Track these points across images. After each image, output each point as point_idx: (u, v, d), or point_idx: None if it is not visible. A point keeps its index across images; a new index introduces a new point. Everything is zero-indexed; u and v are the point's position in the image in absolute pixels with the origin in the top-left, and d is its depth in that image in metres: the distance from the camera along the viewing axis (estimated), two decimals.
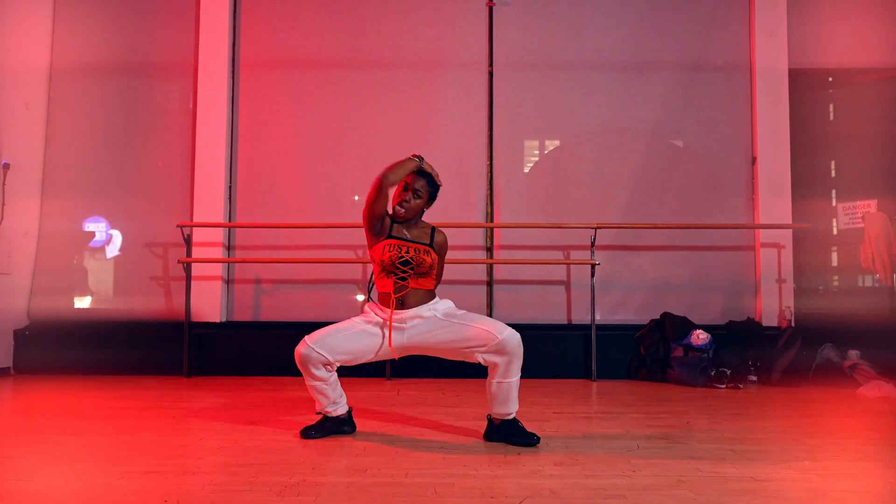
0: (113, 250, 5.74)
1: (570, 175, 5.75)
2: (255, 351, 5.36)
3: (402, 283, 2.95)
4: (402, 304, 2.96)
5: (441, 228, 3.14)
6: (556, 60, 5.81)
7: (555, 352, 5.30)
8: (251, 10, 5.90)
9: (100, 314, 5.72)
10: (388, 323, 2.94)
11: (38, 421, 3.48)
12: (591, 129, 5.80)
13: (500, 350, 2.83)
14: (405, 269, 2.95)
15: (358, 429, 3.18)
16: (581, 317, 5.59)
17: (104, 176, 5.82)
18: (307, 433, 3.00)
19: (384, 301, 2.98)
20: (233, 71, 5.84)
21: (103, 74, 5.88)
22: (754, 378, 4.93)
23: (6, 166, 5.35)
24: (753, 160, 5.65)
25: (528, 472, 2.44)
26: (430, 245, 3.04)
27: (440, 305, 3.00)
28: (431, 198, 3.11)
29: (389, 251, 2.94)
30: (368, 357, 2.99)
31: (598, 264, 5.13)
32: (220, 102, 5.73)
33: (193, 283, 5.44)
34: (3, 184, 5.34)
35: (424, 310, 2.95)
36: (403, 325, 2.95)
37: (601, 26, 5.83)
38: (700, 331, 4.92)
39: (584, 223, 5.31)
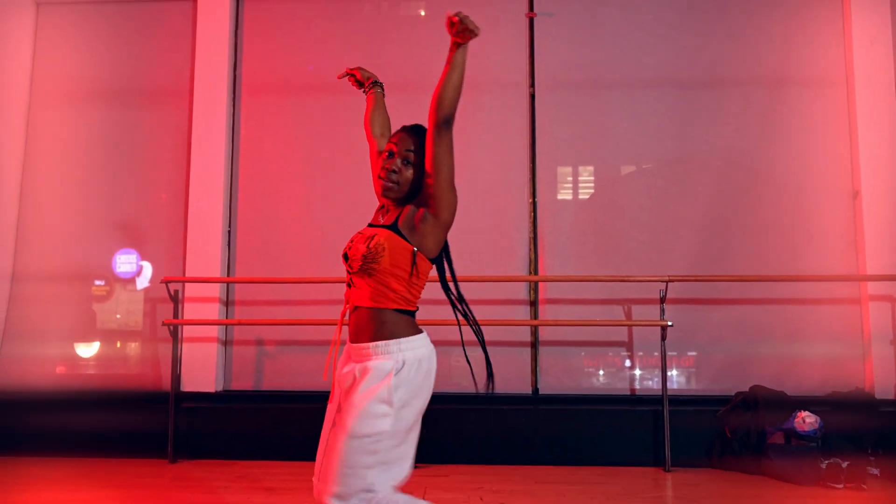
0: (143, 282, 4.95)
1: (628, 213, 4.80)
2: (257, 428, 4.48)
3: (346, 295, 1.92)
4: (352, 336, 1.90)
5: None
6: (608, 78, 4.90)
7: (616, 431, 4.32)
8: (253, 31, 5.12)
9: (76, 380, 4.90)
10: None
11: None
12: (652, 158, 4.86)
13: None
14: (348, 272, 1.89)
15: None
16: (647, 386, 4.60)
17: (85, 220, 5.05)
18: None
19: None
20: (233, 97, 5.05)
21: (87, 103, 5.14)
22: (876, 471, 3.87)
23: None
24: (856, 194, 4.64)
25: None
26: (393, 224, 1.87)
27: (406, 354, 1.81)
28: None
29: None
30: None
31: (671, 325, 4.15)
32: (217, 133, 4.94)
33: (185, 346, 4.60)
34: None
35: (366, 351, 1.83)
36: (341, 375, 1.89)
37: (662, 37, 4.90)
38: (806, 413, 3.89)
39: (653, 276, 4.33)
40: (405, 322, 1.85)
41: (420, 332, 1.88)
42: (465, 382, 4.66)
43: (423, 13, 5.14)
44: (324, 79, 5.04)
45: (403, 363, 1.79)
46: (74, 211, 5.06)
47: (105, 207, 5.04)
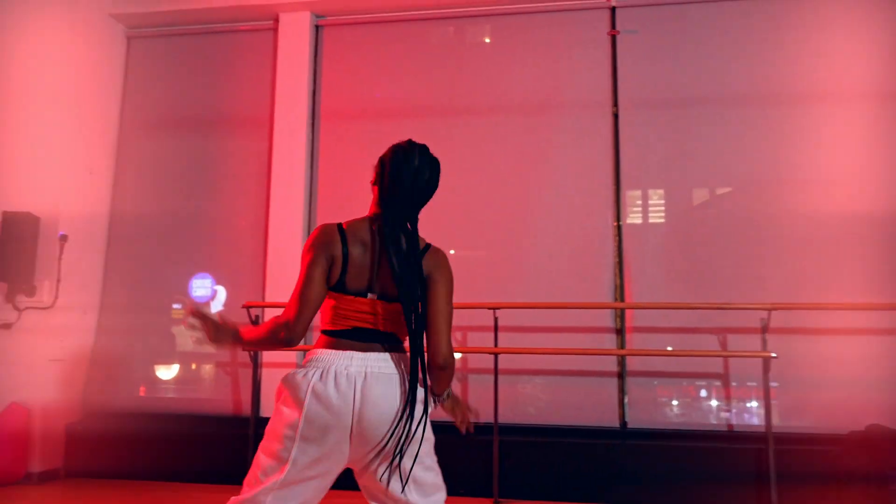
0: (217, 306, 5.00)
1: (720, 237, 4.52)
2: None
3: None
4: None
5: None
6: (695, 95, 4.67)
7: (714, 470, 4.01)
8: (332, 57, 5.16)
9: (159, 405, 4.95)
10: None
11: None
12: (746, 178, 4.58)
13: None
14: None
15: None
16: (745, 421, 4.28)
17: (169, 248, 5.14)
18: None
19: None
20: (312, 125, 5.08)
21: (172, 135, 5.29)
22: None
23: (63, 238, 4.75)
24: None
25: None
26: None
27: None
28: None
29: None
30: None
31: (775, 357, 3.85)
32: (297, 160, 4.97)
33: (265, 371, 4.58)
34: (60, 258, 4.73)
35: None
36: None
37: (750, 52, 4.64)
38: None
39: (754, 303, 4.04)
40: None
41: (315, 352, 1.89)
42: (541, 413, 4.46)
43: (487, 40, 5.05)
44: (399, 103, 5.02)
45: None
46: (159, 236, 5.17)
47: (188, 232, 5.13)
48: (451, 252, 4.73)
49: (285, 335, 1.84)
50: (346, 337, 1.86)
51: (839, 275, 4.31)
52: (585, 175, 4.70)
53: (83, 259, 4.96)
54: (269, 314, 4.72)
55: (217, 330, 1.88)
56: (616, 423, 4.40)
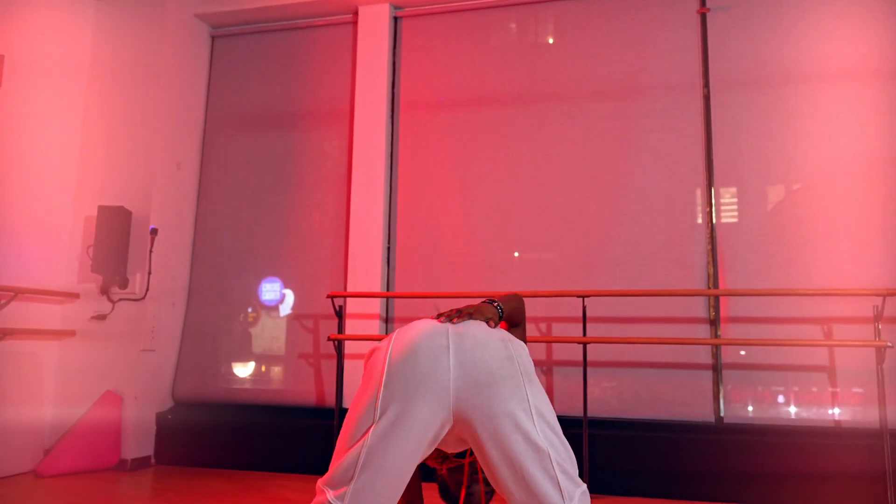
0: (286, 309, 5.07)
1: (822, 222, 4.26)
2: None
3: None
4: None
5: None
6: (794, 74, 4.42)
7: (821, 469, 3.76)
8: (411, 48, 5.14)
9: (246, 395, 5.02)
10: None
11: None
12: (851, 159, 4.29)
13: None
14: None
15: None
16: (853, 417, 4.01)
17: (254, 241, 5.22)
18: None
19: None
20: (392, 117, 5.07)
21: (256, 131, 5.37)
22: None
23: (154, 231, 4.88)
24: None
25: None
26: None
27: None
28: None
29: None
30: None
31: (891, 346, 3.58)
32: (377, 152, 4.97)
33: (346, 363, 4.57)
34: (151, 251, 4.86)
35: None
36: None
37: (855, 25, 4.37)
38: None
39: (866, 289, 3.78)
40: None
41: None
42: (632, 407, 4.29)
43: (568, 24, 4.92)
44: (478, 92, 4.96)
45: None
46: (244, 230, 5.25)
47: (271, 226, 5.20)
48: (515, 255, 4.66)
49: None
50: None
51: None
52: (675, 158, 4.52)
53: (172, 253, 5.09)
54: (351, 304, 4.73)
55: None
56: (711, 418, 4.20)
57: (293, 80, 5.36)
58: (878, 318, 3.64)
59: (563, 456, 1.60)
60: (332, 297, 4.45)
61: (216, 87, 5.53)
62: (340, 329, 4.51)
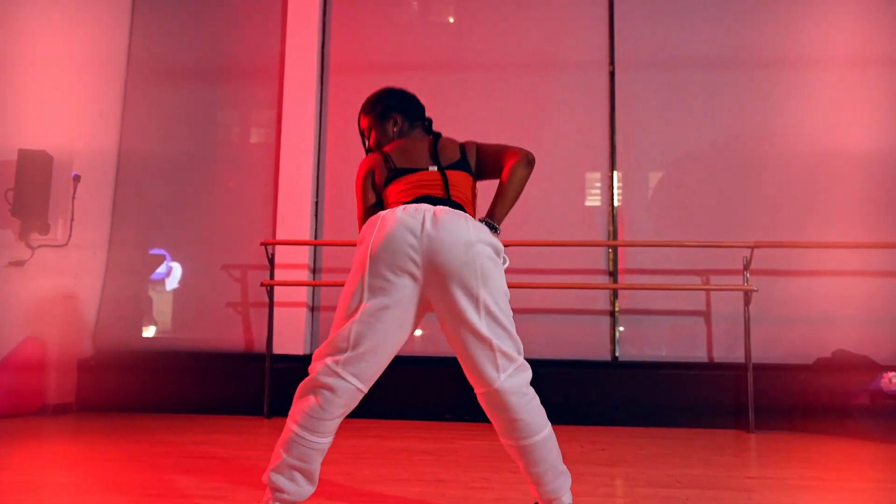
0: (172, 283, 5.16)
1: (706, 186, 4.92)
2: None
3: None
4: None
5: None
6: (688, 57, 5.04)
7: (695, 396, 4.44)
8: (341, 9, 5.35)
9: (171, 343, 5.12)
10: None
11: (113, 474, 2.80)
12: (731, 135, 4.97)
13: None
14: None
15: None
16: (724, 354, 4.72)
17: (178, 191, 5.28)
18: None
19: None
20: (321, 75, 5.27)
21: (182, 81, 5.40)
22: None
23: (77, 178, 4.85)
24: None
25: None
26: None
27: None
28: (385, 113, 2.40)
29: None
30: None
31: (757, 290, 4.28)
32: (307, 109, 5.16)
33: (275, 311, 4.79)
34: (73, 198, 4.83)
35: None
36: None
37: (737, 16, 5.03)
38: (893, 373, 3.99)
39: (738, 241, 4.46)
40: None
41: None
42: (538, 349, 4.80)
43: (475, 14, 5.30)
44: (406, 58, 5.25)
45: None
46: (167, 178, 5.29)
47: (196, 174, 5.27)
48: None
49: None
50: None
51: (807, 222, 4.77)
52: (584, 129, 5.04)
53: (93, 200, 5.06)
54: (281, 251, 4.93)
55: None
56: (608, 357, 4.79)
57: (220, 34, 5.42)
58: (746, 267, 4.31)
59: (505, 342, 1.97)
60: (265, 244, 4.65)
61: (138, 37, 5.48)
62: (271, 276, 4.72)
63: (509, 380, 1.94)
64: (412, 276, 1.94)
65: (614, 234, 4.91)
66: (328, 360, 1.94)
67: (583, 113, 5.05)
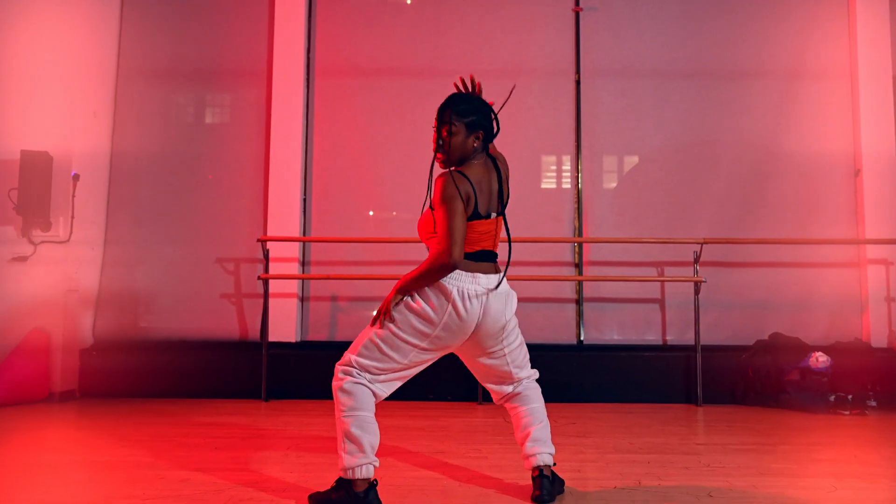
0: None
1: (661, 188, 5.47)
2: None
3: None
4: None
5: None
6: (646, 68, 5.55)
7: (651, 375, 5.00)
8: (326, 16, 5.67)
9: (167, 333, 5.44)
10: None
11: (113, 453, 3.18)
12: (683, 140, 5.52)
13: None
14: None
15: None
16: (676, 337, 5.30)
17: (171, 188, 5.57)
18: None
19: None
20: (308, 78, 5.60)
21: (172, 81, 5.66)
22: (874, 402, 4.62)
23: (76, 177, 5.10)
24: (857, 172, 5.37)
25: None
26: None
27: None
28: (474, 126, 2.35)
29: None
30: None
31: (705, 282, 4.85)
32: (295, 110, 5.49)
33: (271, 301, 5.15)
34: (73, 196, 5.08)
35: None
36: None
37: (690, 31, 5.56)
38: (819, 353, 4.62)
39: (689, 238, 5.02)
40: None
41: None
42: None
43: (468, 11, 5.69)
44: (388, 63, 5.62)
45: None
46: (158, 176, 5.57)
47: (187, 172, 5.56)
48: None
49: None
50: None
51: (750, 221, 5.36)
52: (551, 131, 5.51)
53: (90, 198, 5.31)
54: (273, 248, 5.28)
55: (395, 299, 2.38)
56: (574, 341, 5.32)
57: (209, 35, 5.68)
58: (696, 260, 4.88)
59: (518, 357, 2.61)
60: (262, 240, 5.00)
61: (128, 37, 5.69)
62: (267, 270, 5.08)
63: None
64: None
65: (580, 231, 5.41)
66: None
67: (551, 118, 5.51)
